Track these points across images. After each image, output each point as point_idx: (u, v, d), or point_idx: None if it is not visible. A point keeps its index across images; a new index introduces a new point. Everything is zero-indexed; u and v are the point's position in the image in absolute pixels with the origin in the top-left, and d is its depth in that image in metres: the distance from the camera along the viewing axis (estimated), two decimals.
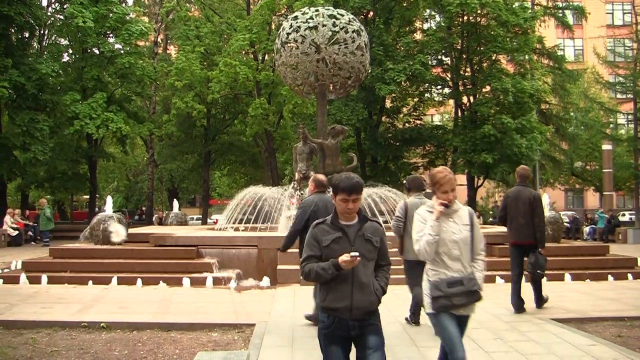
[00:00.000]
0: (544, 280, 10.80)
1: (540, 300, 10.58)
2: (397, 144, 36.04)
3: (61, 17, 33.21)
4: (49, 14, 33.64)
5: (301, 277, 4.58)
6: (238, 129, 40.77)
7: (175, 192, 45.87)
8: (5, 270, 15.45)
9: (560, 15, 40.78)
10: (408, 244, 8.28)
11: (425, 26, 38.77)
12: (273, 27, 34.93)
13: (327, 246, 4.55)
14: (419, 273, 6.97)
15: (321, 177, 9.56)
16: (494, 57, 33.21)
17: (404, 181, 10.22)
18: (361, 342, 4.62)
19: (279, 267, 13.91)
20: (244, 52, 34.95)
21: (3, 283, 13.56)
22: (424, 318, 8.42)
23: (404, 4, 34.57)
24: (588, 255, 16.12)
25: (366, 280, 4.56)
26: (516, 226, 10.26)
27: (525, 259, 10.42)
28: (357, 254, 4.30)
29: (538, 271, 10.13)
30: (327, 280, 4.51)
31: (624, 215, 44.02)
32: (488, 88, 32.72)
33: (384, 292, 4.69)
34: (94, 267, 14.25)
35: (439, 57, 36.26)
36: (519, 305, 10.21)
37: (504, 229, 10.96)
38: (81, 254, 15.25)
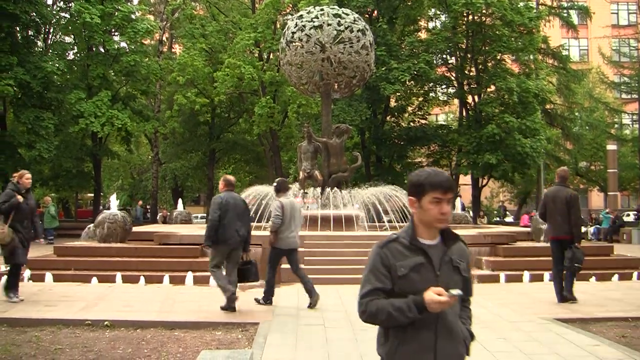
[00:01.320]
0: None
1: (570, 292, 11.15)
2: (402, 143, 35.97)
3: (66, 15, 33.25)
4: (54, 12, 33.61)
5: (361, 319, 3.23)
6: (243, 128, 40.87)
7: (179, 191, 45.88)
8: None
9: (565, 15, 40.71)
10: (282, 235, 10.69)
11: (430, 25, 38.75)
12: (278, 26, 34.96)
13: (403, 276, 3.13)
14: (277, 261, 11.07)
15: (230, 177, 11.01)
16: (498, 57, 33.14)
17: (274, 183, 11.63)
18: None
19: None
20: (248, 51, 34.96)
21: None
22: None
23: (409, 3, 34.50)
24: (592, 255, 16.03)
25: (455, 324, 3.22)
26: (554, 223, 11.24)
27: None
28: (459, 292, 3.01)
29: (575, 264, 10.85)
30: (401, 325, 3.13)
31: (628, 215, 43.89)
32: (493, 88, 32.71)
33: (473, 339, 3.35)
34: (98, 265, 14.25)
35: (444, 56, 36.25)
36: (562, 296, 11.14)
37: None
38: (85, 252, 15.25)
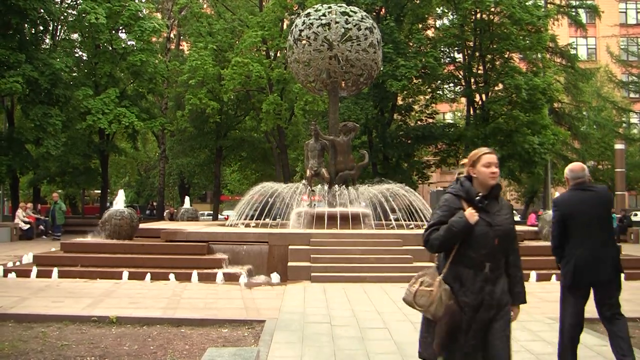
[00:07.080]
0: None
1: None
2: (409, 142, 35.87)
3: (74, 12, 33.30)
4: (62, 9, 33.64)
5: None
6: (249, 125, 40.88)
7: (185, 188, 45.95)
8: (17, 264, 15.49)
9: (574, 13, 40.58)
10: None
11: (438, 23, 38.66)
12: (285, 24, 34.93)
13: None
14: None
15: None
16: (506, 55, 33.07)
17: None
18: None
19: (289, 263, 13.91)
20: (255, 49, 34.95)
21: (15, 277, 13.63)
22: None
23: (417, 2, 34.43)
24: None
25: None
26: None
27: None
28: None
29: None
30: None
31: (636, 215, 43.72)
32: (500, 86, 32.63)
33: None
34: (104, 261, 14.28)
35: (452, 54, 36.18)
36: None
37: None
38: (92, 248, 15.30)
